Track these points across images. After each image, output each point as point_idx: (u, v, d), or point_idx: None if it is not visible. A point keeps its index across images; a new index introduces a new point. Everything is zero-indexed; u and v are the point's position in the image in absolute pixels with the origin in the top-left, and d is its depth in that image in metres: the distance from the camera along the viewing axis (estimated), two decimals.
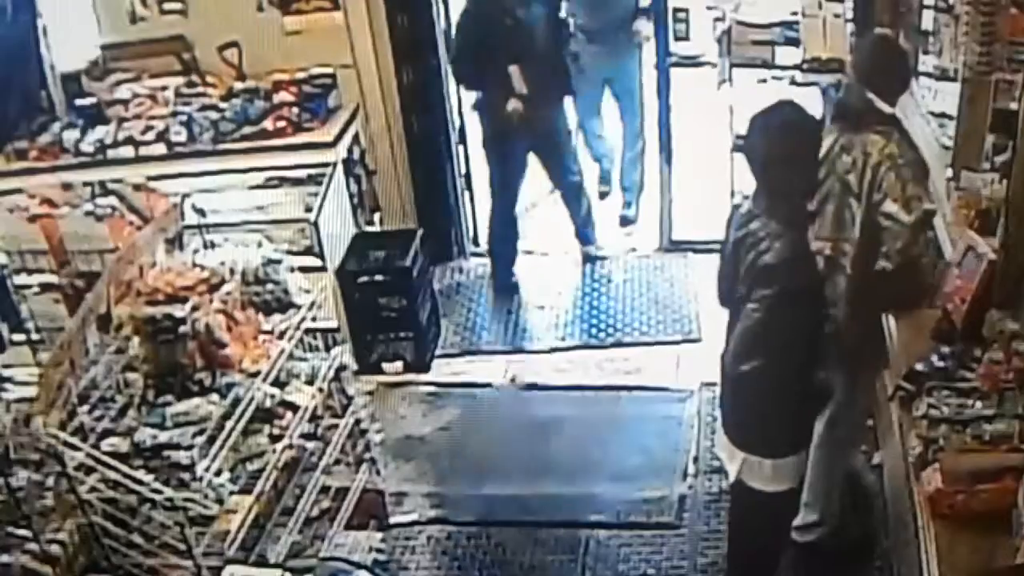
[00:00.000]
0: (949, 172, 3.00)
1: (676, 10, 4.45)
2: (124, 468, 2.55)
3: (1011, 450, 2.24)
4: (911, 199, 2.69)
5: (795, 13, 4.19)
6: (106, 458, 2.57)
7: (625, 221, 5.07)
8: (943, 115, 3.14)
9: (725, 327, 2.72)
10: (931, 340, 2.62)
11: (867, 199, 2.75)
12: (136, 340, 2.85)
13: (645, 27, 4.67)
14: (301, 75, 4.19)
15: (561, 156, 4.60)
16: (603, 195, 5.16)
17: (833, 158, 2.82)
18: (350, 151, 4.25)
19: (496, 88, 4.26)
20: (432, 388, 4.25)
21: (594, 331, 4.48)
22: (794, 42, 4.21)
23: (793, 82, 4.32)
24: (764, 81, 4.36)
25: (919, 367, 2.52)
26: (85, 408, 2.74)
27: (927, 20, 3.34)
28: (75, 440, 2.57)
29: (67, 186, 4.05)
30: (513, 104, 4.25)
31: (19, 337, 3.83)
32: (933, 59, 3.23)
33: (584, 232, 4.81)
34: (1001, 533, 2.10)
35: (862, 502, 3.37)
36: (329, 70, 4.21)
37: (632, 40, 4.74)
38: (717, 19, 4.39)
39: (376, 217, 4.54)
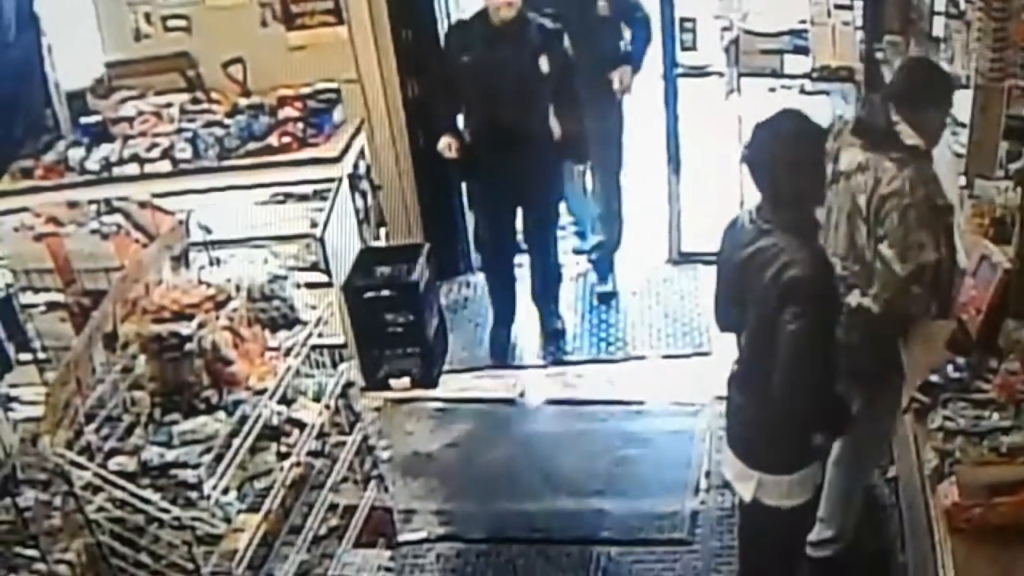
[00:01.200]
0: (962, 180, 3.01)
1: (683, 20, 4.46)
2: (131, 487, 2.57)
3: None
4: (910, 248, 2.66)
5: (804, 21, 4.22)
6: (113, 477, 2.58)
7: (604, 297, 4.69)
8: (955, 122, 3.14)
9: (738, 348, 2.68)
10: (946, 351, 2.62)
11: (873, 231, 2.72)
12: (142, 358, 2.87)
13: (622, 75, 4.28)
14: (306, 90, 4.22)
15: (542, 228, 4.29)
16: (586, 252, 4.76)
17: (850, 174, 2.79)
18: (355, 166, 4.27)
19: (445, 124, 4.10)
20: (440, 404, 4.26)
21: (603, 345, 4.48)
22: (803, 51, 4.24)
23: (803, 91, 4.36)
24: (773, 90, 4.40)
25: (934, 379, 2.52)
26: (92, 427, 2.75)
27: (938, 26, 3.34)
28: (82, 459, 2.58)
29: (72, 204, 4.09)
30: (444, 140, 4.05)
31: (25, 356, 3.85)
32: (945, 66, 3.20)
33: (552, 323, 4.46)
34: (1019, 547, 2.10)
35: (877, 516, 3.36)
36: (334, 85, 4.24)
37: (609, 95, 4.29)
38: (724, 28, 4.42)
39: (382, 232, 4.57)
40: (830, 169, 2.75)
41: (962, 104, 2.99)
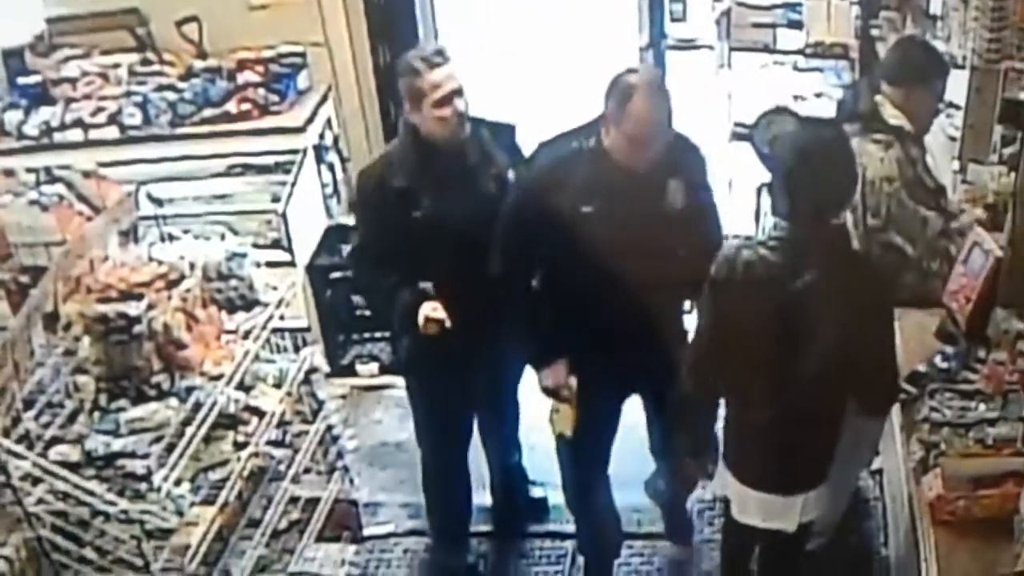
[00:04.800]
0: (955, 164, 3.08)
1: None
2: (74, 478, 2.58)
3: (1014, 454, 2.32)
4: (915, 227, 2.72)
5: None
6: (55, 467, 2.59)
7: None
8: (950, 104, 3.20)
9: (763, 389, 2.51)
10: (935, 340, 2.69)
11: (862, 219, 2.76)
12: (87, 340, 2.87)
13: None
14: (268, 53, 4.17)
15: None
16: None
17: None
18: (322, 136, 4.24)
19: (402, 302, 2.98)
20: None
21: None
22: (797, 25, 4.27)
23: (795, 68, 4.41)
24: (765, 66, 4.44)
25: (921, 368, 2.60)
26: (31, 414, 2.77)
27: (935, 4, 3.39)
28: (20, 448, 2.59)
29: (9, 172, 4.00)
30: (429, 312, 2.88)
31: None
32: (941, 45, 3.26)
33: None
34: (1003, 540, 2.18)
35: (861, 509, 3.46)
36: (299, 48, 4.19)
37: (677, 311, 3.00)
38: None
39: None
40: None
41: (957, 86, 3.06)
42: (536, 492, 3.72)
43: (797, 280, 2.35)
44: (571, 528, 3.62)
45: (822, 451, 2.61)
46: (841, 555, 3.25)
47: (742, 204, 4.55)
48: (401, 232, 2.93)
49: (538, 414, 3.24)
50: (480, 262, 2.89)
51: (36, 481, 2.59)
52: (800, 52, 4.29)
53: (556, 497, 3.75)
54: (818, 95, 4.39)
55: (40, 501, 2.60)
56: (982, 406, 2.45)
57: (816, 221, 2.38)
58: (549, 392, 2.95)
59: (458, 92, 2.91)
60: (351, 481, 3.53)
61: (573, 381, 2.93)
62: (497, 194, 2.97)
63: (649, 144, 2.70)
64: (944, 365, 2.60)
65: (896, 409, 2.69)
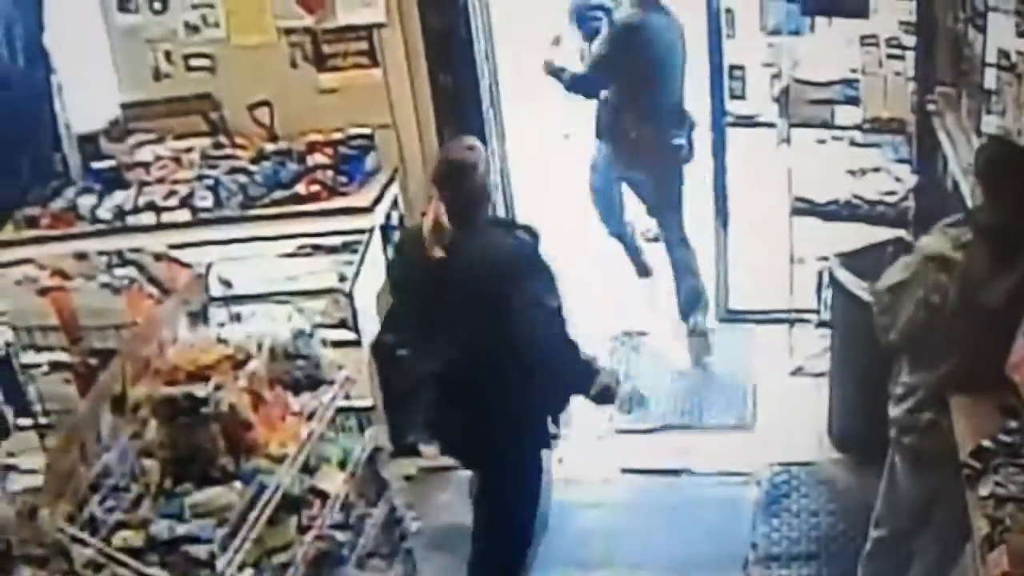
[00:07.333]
0: None
1: (732, 67, 4.45)
2: (137, 564, 2.48)
3: None
4: None
5: (855, 71, 4.20)
6: (118, 554, 2.49)
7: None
8: None
9: None
10: (998, 415, 2.57)
11: None
12: (153, 423, 2.79)
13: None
14: (337, 136, 4.15)
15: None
16: None
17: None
18: (388, 216, 4.18)
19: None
20: None
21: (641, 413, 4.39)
22: (854, 101, 4.22)
23: (853, 143, 4.34)
24: (823, 142, 4.37)
25: (985, 443, 2.49)
26: (96, 498, 2.66)
27: (990, 78, 3.32)
28: (84, 535, 2.50)
29: (81, 256, 3.98)
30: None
31: (25, 421, 3.69)
32: (996, 119, 3.21)
33: None
34: None
35: None
36: (367, 131, 4.17)
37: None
38: (774, 76, 4.40)
39: None
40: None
41: None
42: None
43: None
44: None
45: None
46: None
47: (806, 278, 4.44)
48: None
49: None
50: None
51: (99, 568, 2.49)
52: (858, 127, 4.24)
53: None
54: (876, 170, 4.36)
55: None
56: None
57: None
58: None
59: None
60: (414, 565, 3.38)
61: None
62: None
63: None
64: (1008, 439, 2.49)
65: None
